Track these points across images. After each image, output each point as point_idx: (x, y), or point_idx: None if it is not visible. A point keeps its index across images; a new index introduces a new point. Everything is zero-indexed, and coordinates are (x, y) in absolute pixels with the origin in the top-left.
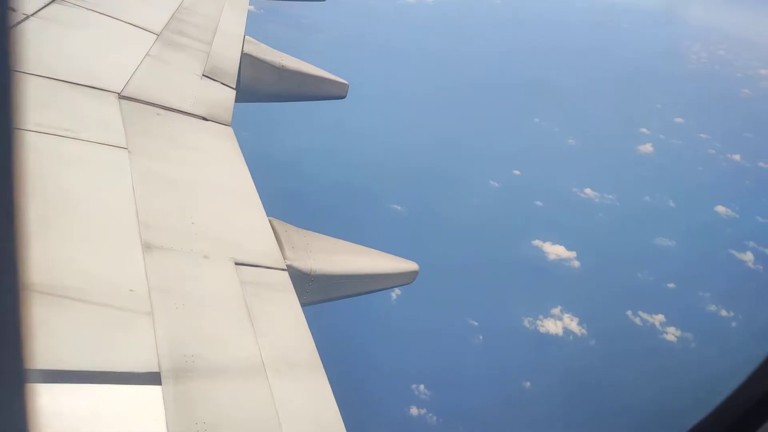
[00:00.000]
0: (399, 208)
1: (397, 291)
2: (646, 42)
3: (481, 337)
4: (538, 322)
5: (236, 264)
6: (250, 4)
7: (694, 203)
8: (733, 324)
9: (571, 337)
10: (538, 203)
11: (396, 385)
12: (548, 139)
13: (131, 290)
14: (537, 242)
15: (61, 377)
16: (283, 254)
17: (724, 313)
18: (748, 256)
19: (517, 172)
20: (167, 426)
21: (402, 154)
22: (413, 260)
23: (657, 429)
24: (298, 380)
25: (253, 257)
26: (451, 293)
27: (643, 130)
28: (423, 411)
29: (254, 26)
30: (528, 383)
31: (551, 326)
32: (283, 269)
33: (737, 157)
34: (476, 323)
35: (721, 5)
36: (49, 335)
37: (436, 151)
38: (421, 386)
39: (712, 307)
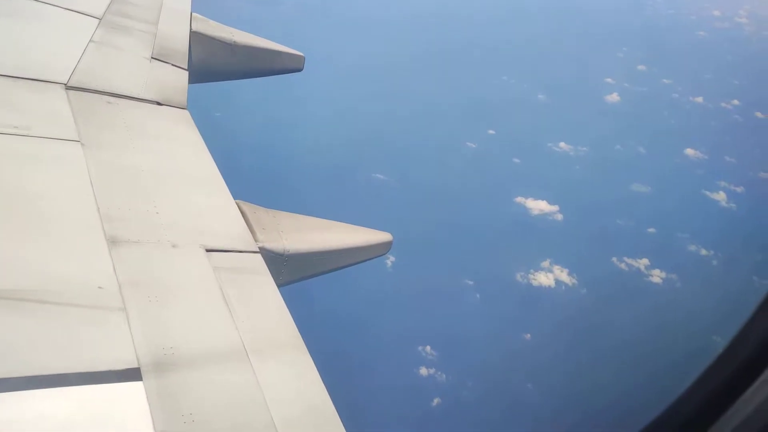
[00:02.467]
0: (382, 177)
1: (391, 258)
2: None
3: (478, 295)
4: (531, 276)
5: (207, 251)
6: None
7: (664, 148)
8: (714, 262)
9: (563, 287)
10: (516, 160)
11: (403, 348)
12: (518, 96)
13: (100, 287)
14: (520, 199)
15: (35, 383)
16: (254, 236)
17: (704, 252)
18: (721, 196)
19: (491, 131)
20: (153, 421)
21: (374, 124)
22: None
23: (657, 368)
24: (281, 362)
25: (224, 242)
26: (443, 256)
27: (608, 80)
28: (432, 371)
29: (211, 1)
30: (528, 335)
31: (543, 279)
32: (255, 252)
33: (700, 99)
34: (472, 282)
35: None
36: (18, 340)
37: (409, 118)
38: (427, 347)
39: (692, 248)
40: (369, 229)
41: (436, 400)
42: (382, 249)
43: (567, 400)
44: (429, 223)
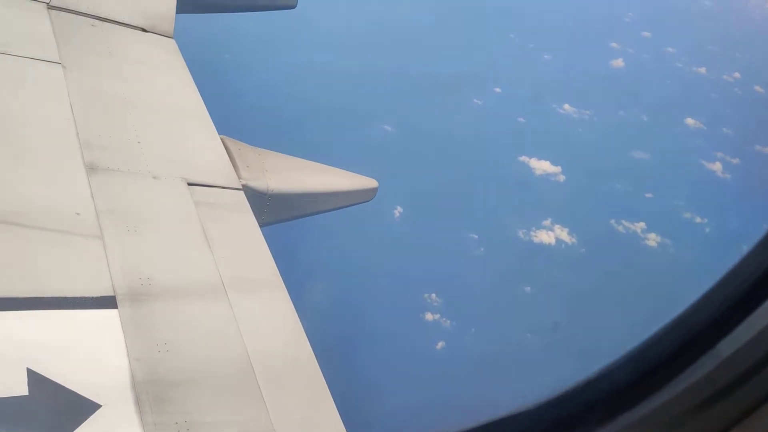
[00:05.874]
0: (390, 128)
1: (399, 209)
2: None
3: (482, 249)
4: (532, 234)
5: (189, 184)
6: None
7: (665, 116)
8: (707, 230)
9: (563, 245)
10: (521, 120)
11: (409, 294)
12: (525, 55)
13: (77, 213)
14: (524, 158)
15: (6, 305)
16: (237, 173)
17: (698, 219)
18: (717, 166)
19: (498, 89)
20: (127, 349)
21: (382, 76)
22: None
23: (649, 322)
24: (258, 298)
25: (207, 177)
26: (449, 209)
27: (614, 44)
28: (437, 316)
29: None
30: (528, 288)
31: (544, 237)
32: (238, 189)
33: (702, 70)
34: (476, 236)
35: None
36: None
37: (415, 72)
38: (433, 294)
39: (687, 215)
40: (355, 174)
41: (440, 344)
42: (367, 195)
43: (563, 349)
44: (435, 176)
